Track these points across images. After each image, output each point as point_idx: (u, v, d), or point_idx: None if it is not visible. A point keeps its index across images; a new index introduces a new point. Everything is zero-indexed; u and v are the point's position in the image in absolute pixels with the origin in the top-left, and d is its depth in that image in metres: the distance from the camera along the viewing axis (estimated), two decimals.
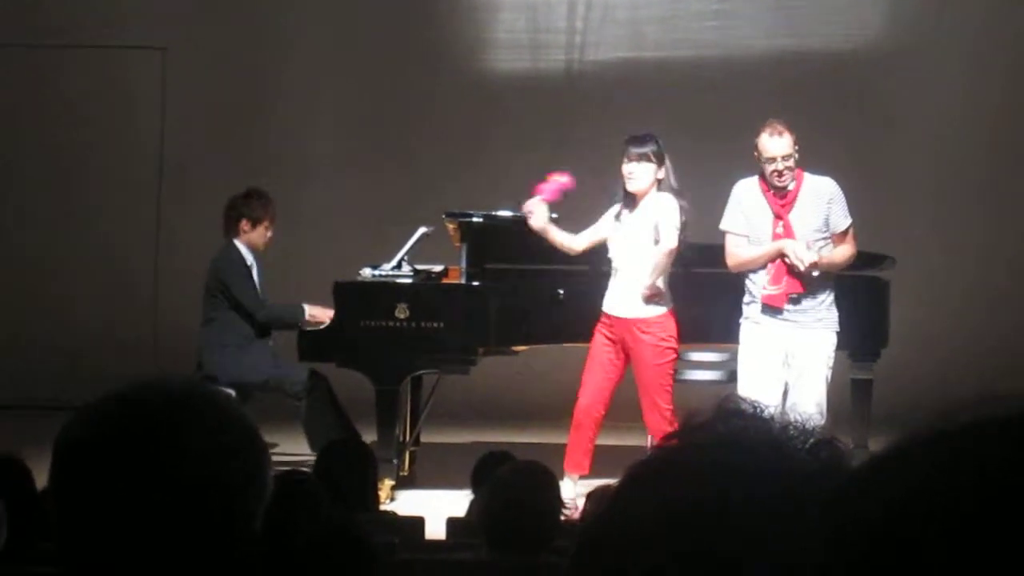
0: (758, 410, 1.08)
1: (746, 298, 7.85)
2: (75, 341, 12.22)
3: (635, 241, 8.06)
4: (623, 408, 8.64)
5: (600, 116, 11.59)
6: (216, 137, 12.51)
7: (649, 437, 8.34)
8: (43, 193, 12.62)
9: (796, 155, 7.73)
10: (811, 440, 1.05)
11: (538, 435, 8.24)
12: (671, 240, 7.96)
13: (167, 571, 1.64)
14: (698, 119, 11.74)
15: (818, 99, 12.26)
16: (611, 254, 8.17)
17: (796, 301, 7.72)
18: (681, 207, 8.00)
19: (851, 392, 8.63)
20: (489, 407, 11.01)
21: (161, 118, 12.72)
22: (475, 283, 8.66)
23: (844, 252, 7.81)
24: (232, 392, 8.40)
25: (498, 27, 12.84)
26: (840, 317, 8.05)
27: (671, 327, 8.08)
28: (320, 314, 8.88)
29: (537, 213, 8.16)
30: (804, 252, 7.62)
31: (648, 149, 8.05)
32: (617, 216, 8.17)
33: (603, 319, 8.15)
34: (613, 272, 8.15)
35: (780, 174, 7.68)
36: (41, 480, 4.13)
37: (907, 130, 12.40)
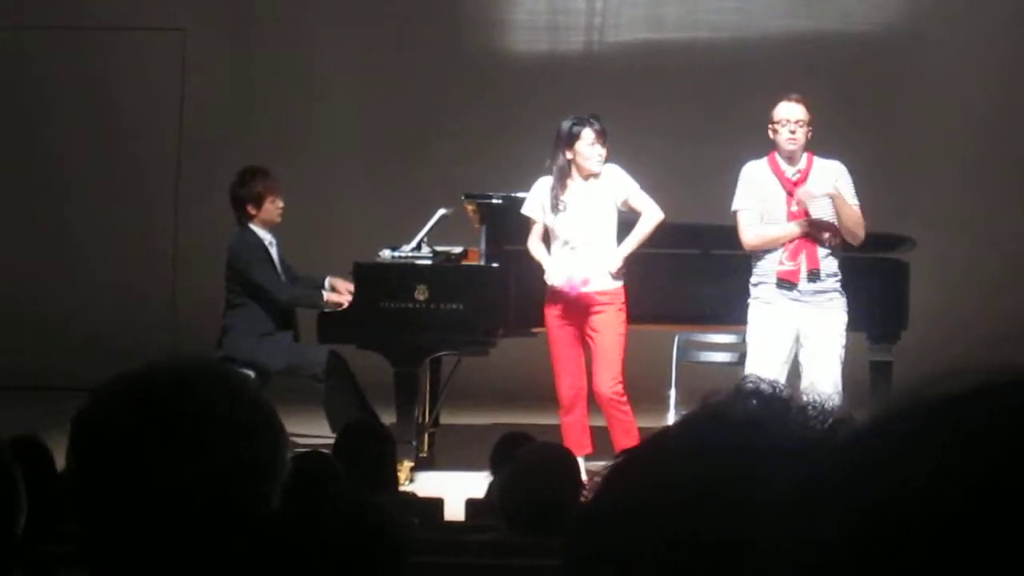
0: (777, 390, 1.08)
1: (753, 279, 7.82)
2: (93, 322, 12.25)
3: (597, 216, 8.08)
4: (644, 389, 8.63)
5: (619, 98, 11.56)
6: (235, 118, 12.51)
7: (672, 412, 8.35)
8: (62, 173, 12.64)
9: (810, 128, 7.71)
10: (830, 420, 1.04)
11: (556, 417, 8.24)
12: (656, 208, 8.02)
13: (185, 550, 1.65)
14: (716, 100, 11.71)
15: (836, 80, 12.22)
16: (566, 234, 8.15)
17: (812, 278, 7.70)
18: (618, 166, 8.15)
19: (870, 374, 8.60)
20: (508, 389, 11.01)
21: (180, 99, 12.73)
22: (494, 265, 8.65)
23: (856, 213, 7.76)
24: (251, 373, 8.41)
25: (517, 9, 12.82)
26: (859, 298, 8.03)
27: (625, 299, 8.11)
28: (339, 297, 8.88)
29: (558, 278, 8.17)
30: (817, 190, 7.65)
31: (602, 126, 8.09)
32: (555, 199, 8.16)
33: (554, 297, 8.15)
34: (568, 250, 8.14)
35: (793, 133, 7.67)
36: (60, 461, 4.14)
37: (929, 112, 12.35)
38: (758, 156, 7.93)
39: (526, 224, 8.29)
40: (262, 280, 9.04)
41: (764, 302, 7.76)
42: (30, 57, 12.72)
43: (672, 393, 9.09)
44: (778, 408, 1.07)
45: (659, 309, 8.56)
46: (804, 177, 7.75)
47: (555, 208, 8.17)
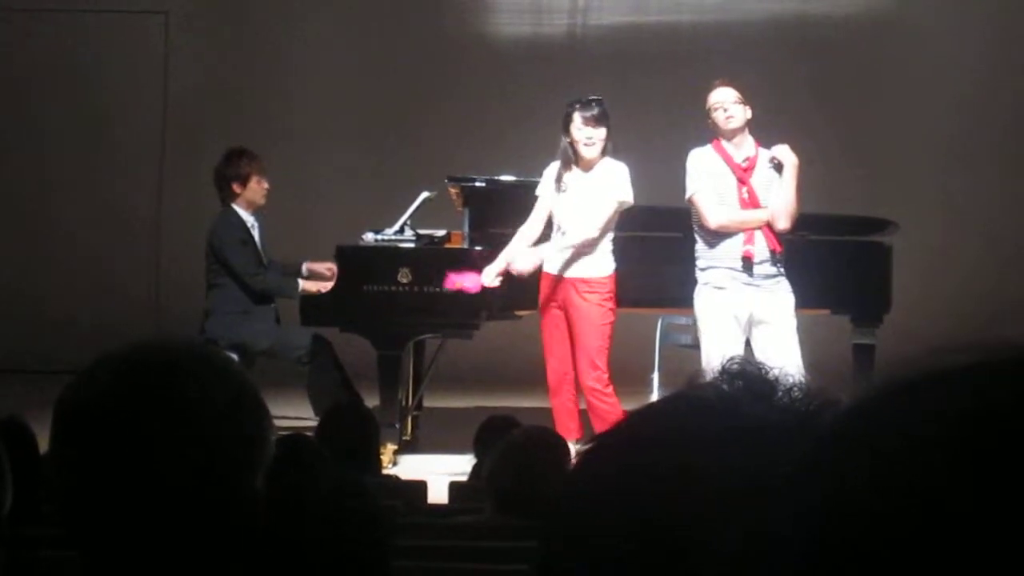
0: (763, 371, 1.08)
1: (702, 263, 7.78)
2: (74, 305, 12.23)
3: (586, 205, 8.06)
4: (628, 372, 8.64)
5: (603, 81, 11.55)
6: (218, 101, 12.49)
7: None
8: (43, 156, 12.61)
9: (746, 106, 7.72)
10: (816, 402, 1.04)
11: (540, 400, 8.24)
12: (595, 227, 8.00)
13: (168, 532, 1.64)
14: (700, 84, 11.68)
15: (821, 64, 12.25)
16: (560, 218, 8.14)
17: (775, 262, 7.69)
18: (628, 170, 8.09)
19: (853, 357, 8.62)
20: (491, 372, 11.02)
21: (164, 81, 12.71)
22: (477, 248, 8.64)
23: (764, 211, 7.74)
24: (234, 356, 8.40)
25: None
26: (842, 281, 8.04)
27: (612, 288, 8.09)
28: (315, 285, 8.88)
29: (520, 265, 8.12)
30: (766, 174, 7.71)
31: (601, 111, 8.06)
32: (559, 179, 8.15)
33: (546, 281, 8.15)
34: (560, 235, 8.13)
35: (727, 111, 7.70)
36: (44, 443, 4.14)
37: (912, 95, 12.37)
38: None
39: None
40: (236, 264, 9.04)
41: (715, 287, 7.73)
42: (12, 40, 12.68)
43: (655, 376, 9.10)
44: (764, 390, 1.06)
45: (642, 293, 8.55)
46: (752, 164, 7.75)
47: (558, 189, 8.15)
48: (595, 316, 8.02)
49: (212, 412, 1.67)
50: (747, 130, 7.79)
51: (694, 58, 11.98)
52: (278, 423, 8.48)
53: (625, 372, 8.43)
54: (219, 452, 1.66)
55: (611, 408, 7.97)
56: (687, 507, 0.99)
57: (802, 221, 8.49)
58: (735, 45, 12.13)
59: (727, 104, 7.73)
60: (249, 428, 1.70)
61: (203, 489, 1.65)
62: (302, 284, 8.96)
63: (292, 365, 9.09)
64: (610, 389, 8.01)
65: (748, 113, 7.76)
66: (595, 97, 8.15)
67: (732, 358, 1.10)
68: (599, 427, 7.80)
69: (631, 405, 1.02)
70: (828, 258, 8.71)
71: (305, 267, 9.12)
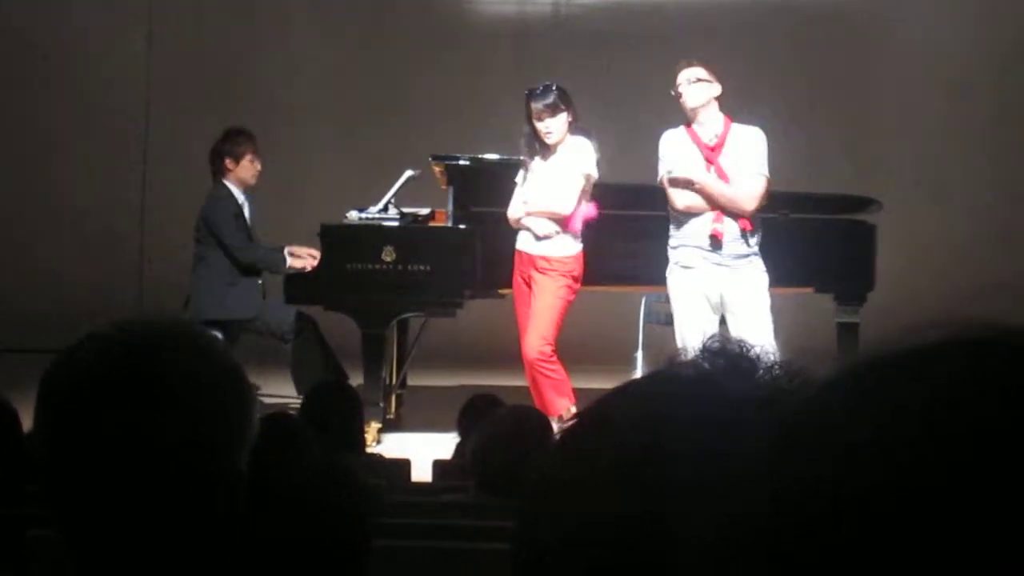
0: (744, 349, 1.08)
1: (673, 242, 7.81)
2: (58, 285, 12.20)
3: (550, 186, 8.08)
4: (611, 350, 8.65)
5: (586, 60, 11.56)
6: (203, 82, 12.46)
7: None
8: (25, 136, 12.57)
9: (709, 87, 7.69)
10: (799, 379, 1.04)
11: (524, 379, 8.25)
12: (566, 204, 8.03)
13: (152, 510, 1.65)
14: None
15: (809, 44, 12.25)
16: (524, 197, 8.18)
17: (744, 239, 7.68)
18: (595, 146, 8.08)
19: (837, 335, 8.64)
20: (475, 350, 11.02)
21: (146, 70, 12.67)
22: (461, 226, 8.64)
23: (730, 189, 7.68)
24: (218, 334, 8.40)
25: None
26: (826, 260, 8.04)
27: (576, 268, 8.11)
28: (302, 261, 8.88)
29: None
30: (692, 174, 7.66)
31: (554, 99, 8.05)
32: (525, 167, 8.19)
33: (516, 258, 8.19)
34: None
35: (679, 92, 7.71)
36: (28, 423, 4.13)
37: (897, 74, 12.38)
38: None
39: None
40: (227, 235, 9.05)
41: (683, 266, 7.74)
42: None
43: (639, 355, 9.11)
44: (745, 368, 1.07)
45: (626, 271, 8.57)
46: (721, 143, 7.74)
47: (525, 176, 8.20)
48: (551, 290, 8.07)
49: (196, 390, 1.67)
50: (714, 107, 7.76)
51: (678, 37, 11.97)
52: (262, 400, 8.50)
53: (608, 350, 8.45)
54: (203, 430, 1.66)
55: (556, 377, 8.01)
56: (662, 487, 0.99)
57: (785, 199, 8.51)
58: (719, 25, 12.13)
59: (681, 84, 7.73)
60: (233, 406, 1.71)
61: (187, 467, 1.65)
62: (289, 260, 8.97)
63: (275, 343, 9.09)
64: (555, 359, 8.05)
65: (713, 91, 7.72)
66: (550, 84, 8.15)
67: (712, 336, 1.10)
68: (539, 399, 7.85)
69: (613, 384, 1.02)
70: (812, 236, 8.73)
71: (287, 250, 9.10)
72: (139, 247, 12.61)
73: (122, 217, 12.57)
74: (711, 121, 7.76)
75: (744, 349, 1.08)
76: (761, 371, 1.06)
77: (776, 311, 7.79)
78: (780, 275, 7.98)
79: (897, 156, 12.27)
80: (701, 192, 7.66)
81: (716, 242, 7.66)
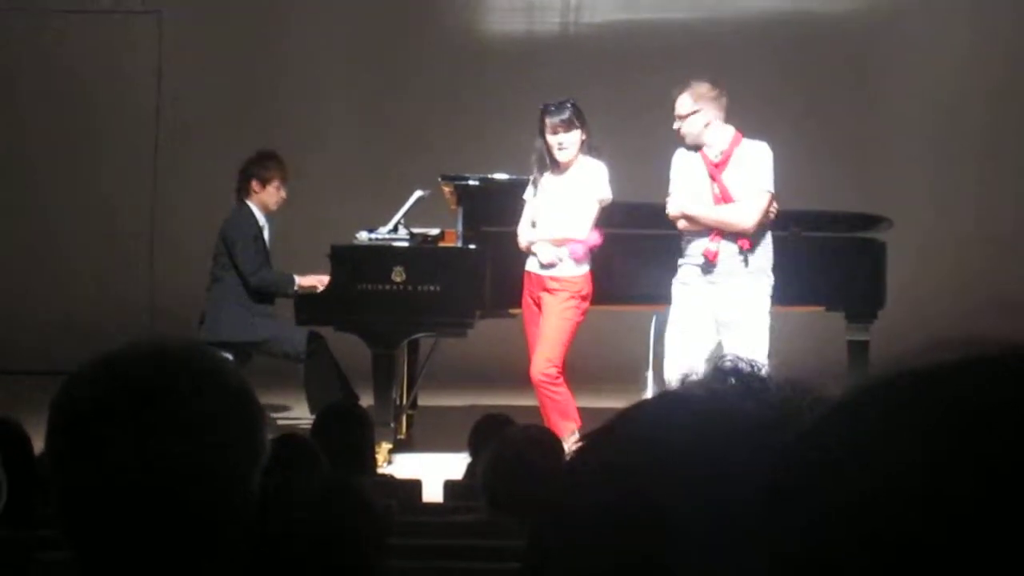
0: (755, 368, 1.07)
1: (679, 260, 7.85)
2: (68, 306, 12.21)
3: (560, 204, 8.08)
4: (622, 369, 8.64)
5: (595, 78, 11.57)
6: (212, 101, 12.49)
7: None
8: (36, 157, 12.59)
9: (694, 113, 7.71)
10: (810, 398, 1.03)
11: (534, 398, 8.24)
12: (581, 229, 8.04)
13: (163, 533, 1.64)
14: (691, 80, 11.71)
15: (815, 60, 12.26)
16: (535, 218, 8.18)
17: (739, 259, 7.69)
18: (608, 175, 8.10)
19: (848, 353, 8.63)
20: (486, 370, 11.01)
21: (157, 83, 12.70)
22: (471, 246, 8.64)
23: (727, 212, 7.70)
24: (229, 356, 8.40)
25: None
26: (836, 278, 8.03)
27: (584, 288, 8.11)
28: (311, 281, 8.88)
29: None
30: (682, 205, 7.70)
31: (570, 115, 8.06)
32: (534, 182, 8.19)
33: (526, 279, 8.20)
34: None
35: (677, 131, 7.75)
36: (39, 445, 4.13)
37: (905, 92, 12.39)
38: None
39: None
40: (242, 258, 9.06)
41: (682, 282, 7.79)
42: (4, 39, 12.66)
43: (649, 374, 9.10)
44: (756, 387, 1.06)
45: (636, 289, 8.57)
46: (726, 159, 7.77)
47: (535, 191, 8.21)
48: (559, 311, 8.07)
49: (207, 413, 1.67)
50: (716, 127, 7.77)
51: (687, 55, 11.97)
52: (274, 420, 8.50)
53: (619, 369, 8.44)
54: (214, 454, 1.66)
55: (560, 400, 8.01)
56: (671, 509, 0.98)
57: (795, 217, 8.52)
58: (727, 42, 12.15)
59: (676, 121, 7.80)
60: (243, 429, 1.70)
61: (198, 490, 1.65)
62: (298, 280, 8.97)
63: (287, 363, 9.09)
64: (560, 380, 8.05)
65: (705, 117, 7.73)
66: (566, 101, 8.15)
67: (724, 355, 1.09)
68: (552, 419, 7.86)
69: (624, 403, 1.01)
70: (822, 255, 8.72)
71: (297, 279, 9.10)
72: (149, 268, 12.61)
73: (132, 238, 12.56)
74: (717, 140, 7.78)
75: (755, 368, 1.07)
76: (773, 390, 1.05)
77: (786, 329, 7.78)
78: (791, 294, 7.98)
79: (902, 172, 12.25)
80: (694, 222, 7.70)
81: (708, 261, 7.69)
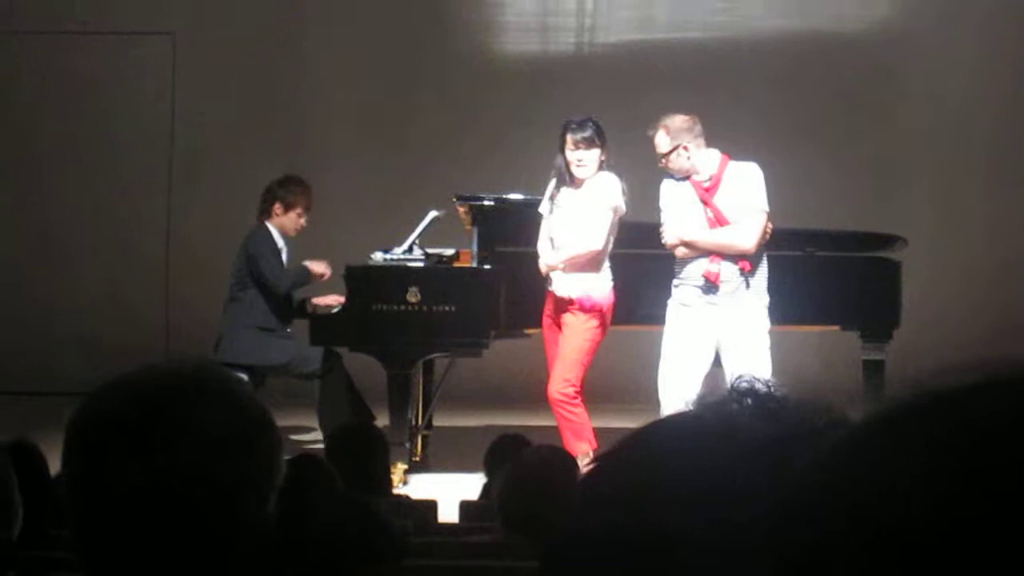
0: (771, 389, 1.07)
1: (675, 281, 7.86)
2: (84, 327, 12.23)
3: (576, 221, 8.09)
4: (635, 390, 8.62)
5: (610, 98, 11.56)
6: (226, 122, 12.51)
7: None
8: (52, 178, 12.63)
9: (674, 149, 7.75)
10: (825, 418, 1.03)
11: (550, 418, 8.23)
12: (596, 239, 8.06)
13: (180, 555, 1.64)
14: (707, 101, 11.71)
15: (827, 80, 12.26)
16: (552, 235, 8.19)
17: (740, 281, 7.69)
18: (622, 187, 8.11)
19: (863, 373, 8.62)
20: (501, 390, 11.01)
21: (171, 103, 12.72)
22: (486, 266, 8.65)
23: (726, 235, 7.73)
24: (244, 376, 8.41)
25: (507, 10, 12.84)
26: (851, 297, 8.02)
27: (605, 308, 8.11)
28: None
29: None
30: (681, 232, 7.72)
31: (591, 133, 8.08)
32: (552, 198, 8.20)
33: (547, 299, 8.21)
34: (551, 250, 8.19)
35: (664, 166, 7.84)
36: (55, 466, 4.13)
37: (916, 111, 12.38)
38: (747, 156, 7.95)
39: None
40: (267, 269, 9.13)
41: (682, 304, 7.78)
42: (19, 62, 12.71)
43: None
44: (772, 408, 1.06)
45: (652, 310, 8.56)
46: (716, 183, 7.78)
47: (551, 206, 8.22)
48: (578, 331, 8.08)
49: (223, 435, 1.67)
50: (699, 154, 7.80)
51: (701, 75, 11.99)
52: (289, 438, 8.49)
53: (635, 389, 8.42)
54: (231, 475, 1.66)
55: (576, 420, 8.02)
56: (680, 531, 0.98)
57: (810, 237, 8.52)
58: (742, 61, 12.15)
59: (660, 160, 7.83)
60: (259, 451, 1.70)
61: (214, 512, 1.65)
62: (309, 265, 9.21)
63: (302, 383, 9.11)
64: (578, 401, 8.05)
65: (685, 152, 7.76)
66: (589, 118, 8.17)
67: (741, 376, 1.09)
68: (567, 439, 7.86)
69: (639, 423, 1.01)
70: (837, 274, 8.72)
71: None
72: (164, 288, 12.62)
73: (147, 258, 12.58)
74: (704, 165, 7.83)
75: (771, 388, 1.07)
76: (789, 410, 1.05)
77: (801, 348, 7.78)
78: (805, 313, 7.98)
79: (921, 189, 12.24)
80: (693, 247, 7.71)
81: (709, 283, 7.69)
